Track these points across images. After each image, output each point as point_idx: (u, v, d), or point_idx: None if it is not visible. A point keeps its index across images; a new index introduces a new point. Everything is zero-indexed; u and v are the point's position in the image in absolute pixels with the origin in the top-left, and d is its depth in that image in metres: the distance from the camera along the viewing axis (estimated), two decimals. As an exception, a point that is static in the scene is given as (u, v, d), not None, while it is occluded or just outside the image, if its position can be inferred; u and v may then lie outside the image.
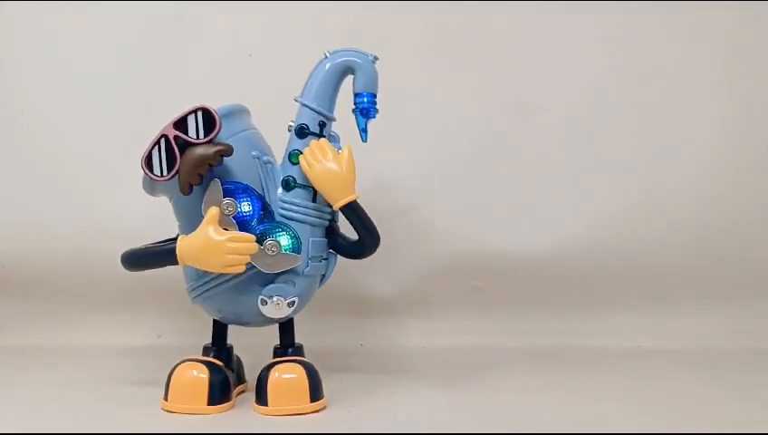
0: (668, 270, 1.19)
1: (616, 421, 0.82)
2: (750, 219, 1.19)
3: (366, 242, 0.90)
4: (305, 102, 0.91)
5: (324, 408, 0.87)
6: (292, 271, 0.88)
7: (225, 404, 0.87)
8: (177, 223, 0.90)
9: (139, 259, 0.89)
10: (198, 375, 0.87)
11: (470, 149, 1.19)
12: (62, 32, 1.20)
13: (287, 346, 0.92)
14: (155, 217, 1.04)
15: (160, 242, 0.90)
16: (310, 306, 0.92)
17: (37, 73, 1.20)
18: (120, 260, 0.89)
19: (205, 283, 0.88)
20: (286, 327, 0.93)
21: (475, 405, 0.89)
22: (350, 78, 0.92)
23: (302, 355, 0.92)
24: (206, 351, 0.92)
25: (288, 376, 0.86)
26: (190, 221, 0.87)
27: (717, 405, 0.89)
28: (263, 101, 1.02)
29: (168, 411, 0.86)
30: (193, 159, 0.84)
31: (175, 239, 0.87)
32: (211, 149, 0.85)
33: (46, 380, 1.00)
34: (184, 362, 0.88)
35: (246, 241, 0.85)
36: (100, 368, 1.04)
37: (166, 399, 0.87)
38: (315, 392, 0.87)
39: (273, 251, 0.86)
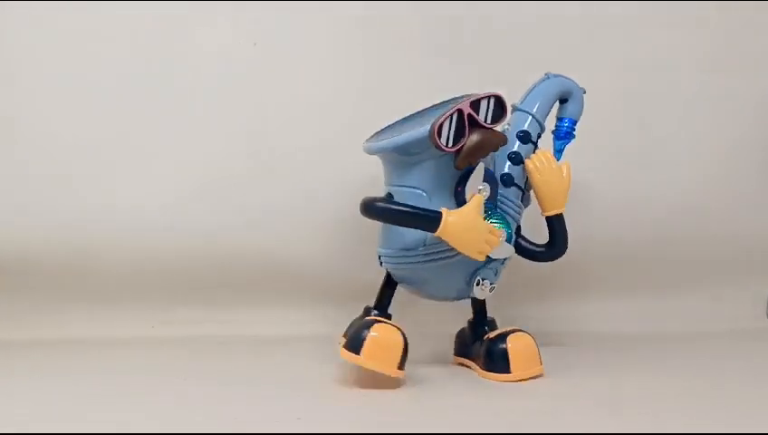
0: (651, 256, 1.24)
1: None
2: (730, 206, 1.25)
3: (558, 249, 0.99)
4: (530, 112, 0.99)
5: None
6: (498, 260, 0.95)
7: (404, 371, 0.91)
8: (410, 188, 0.92)
9: (391, 214, 0.92)
10: (396, 339, 0.90)
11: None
12: (44, 21, 1.15)
13: (485, 318, 1.01)
14: (144, 210, 1.13)
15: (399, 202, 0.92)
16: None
17: (24, 67, 1.15)
18: (360, 206, 0.92)
19: (426, 253, 0.92)
20: (480, 303, 1.01)
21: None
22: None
23: (496, 326, 1.01)
24: (367, 311, 0.97)
25: (523, 344, 0.95)
26: (435, 194, 0.91)
27: (702, 388, 0.93)
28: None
29: (356, 364, 0.89)
30: (481, 141, 0.90)
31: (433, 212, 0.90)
32: (498, 137, 0.91)
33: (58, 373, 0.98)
34: (375, 322, 0.91)
35: (498, 235, 0.91)
36: (100, 359, 1.03)
37: (356, 352, 0.89)
38: (540, 356, 0.96)
39: (501, 239, 0.92)
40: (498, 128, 0.93)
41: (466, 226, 0.89)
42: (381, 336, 0.90)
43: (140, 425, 0.78)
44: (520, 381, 0.94)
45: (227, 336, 1.13)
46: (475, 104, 0.90)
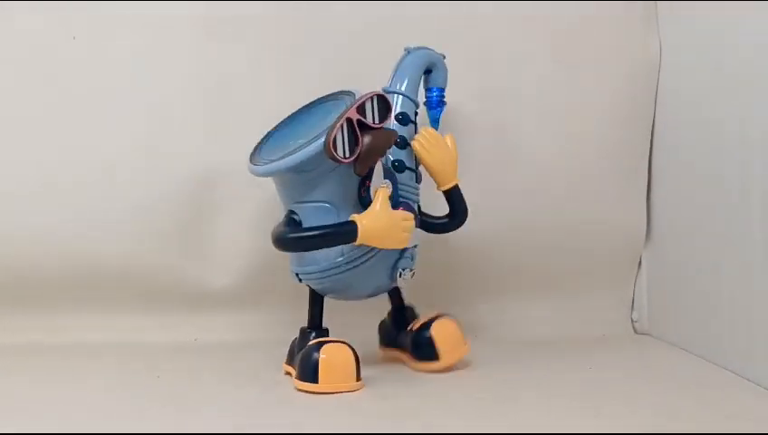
0: (508, 261, 1.20)
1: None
2: (588, 210, 1.20)
3: (459, 217, 1.01)
4: (400, 92, 0.99)
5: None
6: (412, 246, 0.97)
7: (361, 379, 0.92)
8: (314, 203, 0.93)
9: (307, 242, 0.93)
10: (346, 356, 0.91)
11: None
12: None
13: (404, 307, 1.03)
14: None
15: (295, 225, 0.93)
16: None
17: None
18: (273, 243, 0.92)
19: (348, 261, 0.93)
20: (396, 292, 1.03)
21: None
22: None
23: (416, 314, 1.03)
24: (304, 333, 0.96)
25: (447, 329, 0.98)
26: (341, 202, 0.92)
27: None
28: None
29: (316, 393, 0.89)
30: (376, 142, 0.90)
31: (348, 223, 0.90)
32: (390, 134, 0.93)
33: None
34: (322, 344, 0.91)
35: (411, 219, 0.93)
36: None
37: (314, 381, 0.90)
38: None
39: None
40: (387, 124, 0.94)
41: (381, 222, 0.91)
42: (332, 357, 0.91)
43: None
44: (448, 366, 0.98)
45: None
46: (361, 108, 0.91)
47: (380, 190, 0.91)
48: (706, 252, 1.06)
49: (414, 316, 1.02)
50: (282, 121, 0.99)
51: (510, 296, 1.20)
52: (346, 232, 0.90)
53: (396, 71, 1.01)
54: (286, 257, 0.99)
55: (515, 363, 1.04)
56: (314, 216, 0.93)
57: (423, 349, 0.98)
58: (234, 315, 1.12)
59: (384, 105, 0.92)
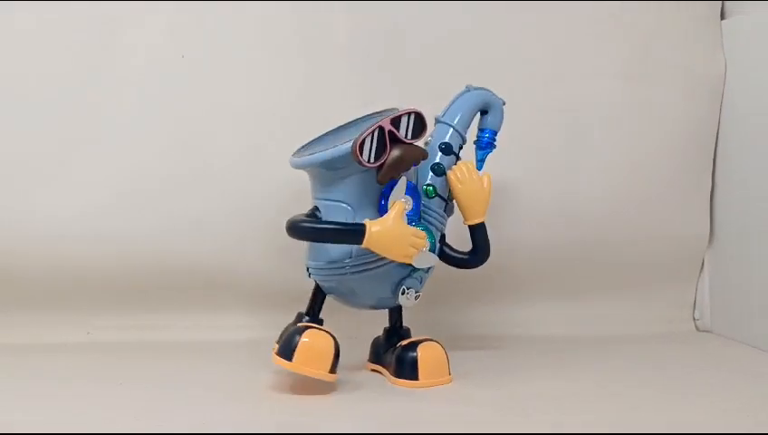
0: (582, 261, 1.26)
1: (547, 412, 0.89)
2: (653, 213, 1.28)
3: (480, 256, 1.02)
4: (452, 124, 1.02)
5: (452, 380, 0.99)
6: (422, 269, 0.98)
7: (336, 374, 0.94)
8: (336, 202, 0.95)
9: (317, 232, 0.95)
10: (327, 344, 0.93)
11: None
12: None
13: (401, 327, 1.03)
14: (87, 216, 1.13)
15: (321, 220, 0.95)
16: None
17: None
18: (286, 228, 0.94)
19: (352, 265, 0.95)
20: (397, 311, 1.03)
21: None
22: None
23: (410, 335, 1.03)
24: (299, 317, 0.99)
25: (433, 353, 0.98)
26: (360, 207, 0.94)
27: (635, 391, 0.97)
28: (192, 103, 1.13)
29: (289, 369, 0.91)
30: (402, 156, 0.93)
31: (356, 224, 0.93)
32: (418, 152, 0.95)
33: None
34: (308, 327, 0.93)
35: (423, 237, 0.95)
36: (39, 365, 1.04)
37: (287, 358, 0.92)
38: (450, 367, 0.99)
39: (425, 248, 0.95)
40: (419, 143, 0.96)
41: (390, 232, 0.92)
42: (313, 342, 0.92)
43: (74, 429, 0.80)
44: (429, 387, 0.96)
45: (159, 342, 1.15)
46: (396, 121, 0.93)
47: (397, 203, 0.93)
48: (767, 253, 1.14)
49: (408, 338, 1.02)
50: (334, 128, 1.01)
51: (579, 295, 1.28)
52: (354, 232, 0.92)
53: (451, 104, 1.04)
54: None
55: (585, 359, 1.11)
56: (333, 213, 0.95)
57: (405, 366, 0.97)
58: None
59: (419, 123, 0.95)
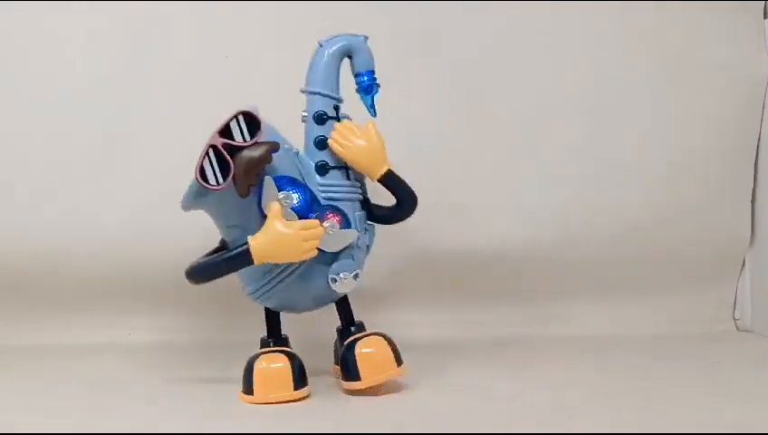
0: (623, 261, 1.26)
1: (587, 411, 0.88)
2: (694, 213, 1.28)
3: (407, 203, 0.96)
4: (316, 90, 0.95)
5: (407, 370, 0.94)
6: (348, 246, 0.93)
7: (307, 387, 0.92)
8: (227, 227, 0.92)
9: (211, 270, 0.91)
10: (281, 365, 0.90)
11: (433, 146, 1.22)
12: (23, 29, 1.18)
13: (350, 324, 0.97)
14: (126, 215, 1.15)
15: (216, 251, 0.93)
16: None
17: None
18: (185, 276, 0.91)
19: (272, 279, 0.92)
20: (344, 307, 0.98)
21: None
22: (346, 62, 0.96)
23: (365, 330, 0.97)
24: (264, 343, 0.96)
25: (372, 349, 0.92)
26: (247, 222, 0.90)
27: (678, 390, 0.96)
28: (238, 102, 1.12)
29: (255, 404, 0.90)
30: (247, 161, 0.87)
31: (234, 245, 0.90)
32: (262, 148, 0.88)
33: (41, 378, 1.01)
34: (258, 355, 0.91)
35: (314, 226, 0.90)
36: (85, 366, 1.06)
37: (250, 393, 0.90)
38: (398, 358, 0.93)
39: (332, 231, 0.91)
40: (264, 138, 0.90)
41: (275, 239, 0.88)
42: (267, 367, 0.91)
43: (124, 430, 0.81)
44: (371, 386, 0.92)
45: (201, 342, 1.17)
46: (226, 131, 0.88)
47: (272, 205, 0.89)
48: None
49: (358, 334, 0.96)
50: None
51: (621, 295, 1.27)
52: (239, 254, 0.89)
53: (309, 70, 0.96)
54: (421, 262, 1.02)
55: (626, 358, 1.11)
56: (233, 238, 0.92)
57: (348, 367, 0.93)
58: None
59: (251, 121, 0.89)
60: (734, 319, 1.30)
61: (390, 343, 0.94)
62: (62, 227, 1.16)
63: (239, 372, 0.93)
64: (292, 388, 0.90)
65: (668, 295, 1.29)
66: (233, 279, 1.10)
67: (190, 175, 1.10)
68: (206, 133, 1.11)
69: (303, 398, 0.91)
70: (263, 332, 0.97)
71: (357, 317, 0.98)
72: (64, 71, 1.18)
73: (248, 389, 0.91)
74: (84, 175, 1.17)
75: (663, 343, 1.20)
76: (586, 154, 1.26)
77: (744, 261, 1.30)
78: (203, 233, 1.02)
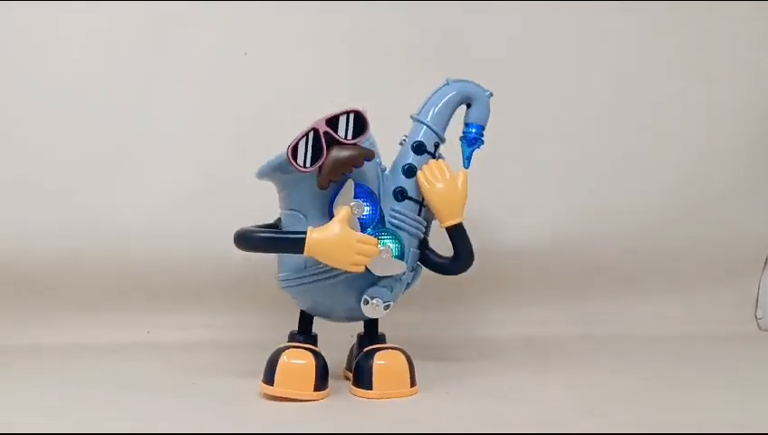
0: (645, 260, 1.27)
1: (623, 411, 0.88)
2: (716, 212, 1.28)
3: (464, 260, 0.95)
4: (425, 121, 0.96)
5: (418, 392, 0.94)
6: (392, 276, 0.93)
7: (326, 390, 0.92)
8: (288, 210, 0.92)
9: (260, 241, 0.91)
10: (306, 362, 0.90)
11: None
12: (43, 27, 1.16)
13: (373, 335, 0.98)
14: (146, 214, 1.14)
15: (271, 228, 0.93)
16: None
17: (18, 72, 1.15)
18: (233, 237, 0.90)
19: (310, 275, 0.91)
20: (372, 321, 0.97)
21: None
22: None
23: (385, 341, 0.97)
24: (292, 337, 0.95)
25: (391, 362, 0.93)
26: (309, 213, 0.90)
27: (699, 391, 0.96)
28: (259, 100, 1.12)
29: (273, 396, 0.89)
30: (341, 158, 0.87)
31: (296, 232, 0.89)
32: (358, 152, 0.88)
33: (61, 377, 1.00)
34: (288, 348, 0.91)
35: (372, 244, 0.89)
36: (105, 365, 1.05)
37: (270, 383, 0.90)
38: (413, 378, 0.94)
39: (385, 255, 0.91)
40: (363, 143, 0.89)
41: (331, 239, 0.88)
42: (292, 362, 0.90)
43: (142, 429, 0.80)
44: (383, 399, 0.92)
45: (223, 340, 1.16)
46: (333, 121, 0.88)
47: (342, 208, 0.89)
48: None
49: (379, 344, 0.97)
50: None
51: (642, 294, 1.28)
52: (294, 240, 0.88)
53: (427, 100, 0.97)
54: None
55: (647, 357, 1.12)
56: (290, 222, 0.92)
57: (361, 375, 0.93)
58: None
59: (360, 123, 0.88)
60: (756, 318, 1.31)
61: (409, 361, 0.94)
62: (80, 226, 1.15)
63: (258, 372, 0.92)
64: (313, 388, 0.90)
65: (690, 295, 1.29)
66: (253, 278, 1.14)
67: (209, 173, 1.16)
68: (225, 131, 1.18)
69: (321, 399, 0.91)
70: (283, 331, 0.97)
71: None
72: (85, 70, 1.17)
73: (269, 379, 0.90)
74: (103, 174, 1.16)
75: (685, 342, 1.20)
76: (607, 153, 1.26)
77: (766, 260, 1.31)
78: (222, 231, 1.02)
